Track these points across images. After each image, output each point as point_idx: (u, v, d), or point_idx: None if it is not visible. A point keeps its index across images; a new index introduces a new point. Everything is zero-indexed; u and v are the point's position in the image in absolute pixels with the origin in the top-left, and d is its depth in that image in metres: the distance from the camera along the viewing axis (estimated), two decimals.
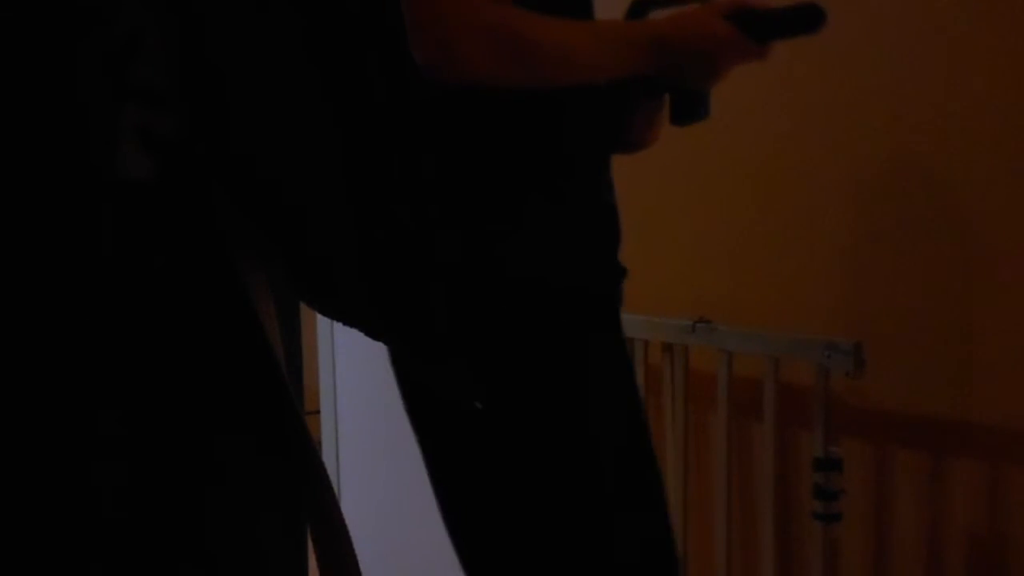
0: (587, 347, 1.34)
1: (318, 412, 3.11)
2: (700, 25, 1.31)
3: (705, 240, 2.08)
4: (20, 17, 0.65)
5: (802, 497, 1.89)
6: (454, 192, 1.12)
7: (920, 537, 1.80)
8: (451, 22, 0.95)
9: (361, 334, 0.86)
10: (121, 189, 0.70)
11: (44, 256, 0.67)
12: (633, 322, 2.05)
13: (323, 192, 0.79)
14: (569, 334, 1.32)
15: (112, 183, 0.69)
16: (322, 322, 3.13)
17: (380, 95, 0.80)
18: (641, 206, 1.93)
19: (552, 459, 1.33)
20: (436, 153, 0.91)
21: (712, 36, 1.30)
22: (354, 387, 2.99)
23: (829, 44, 1.85)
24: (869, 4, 1.81)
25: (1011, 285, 1.66)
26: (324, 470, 0.84)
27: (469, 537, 1.43)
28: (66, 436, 0.68)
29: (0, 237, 0.66)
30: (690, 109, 1.42)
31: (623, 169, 1.44)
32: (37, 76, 0.66)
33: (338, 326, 1.90)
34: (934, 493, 1.77)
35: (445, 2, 0.95)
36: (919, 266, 1.76)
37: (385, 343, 0.92)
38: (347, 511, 0.87)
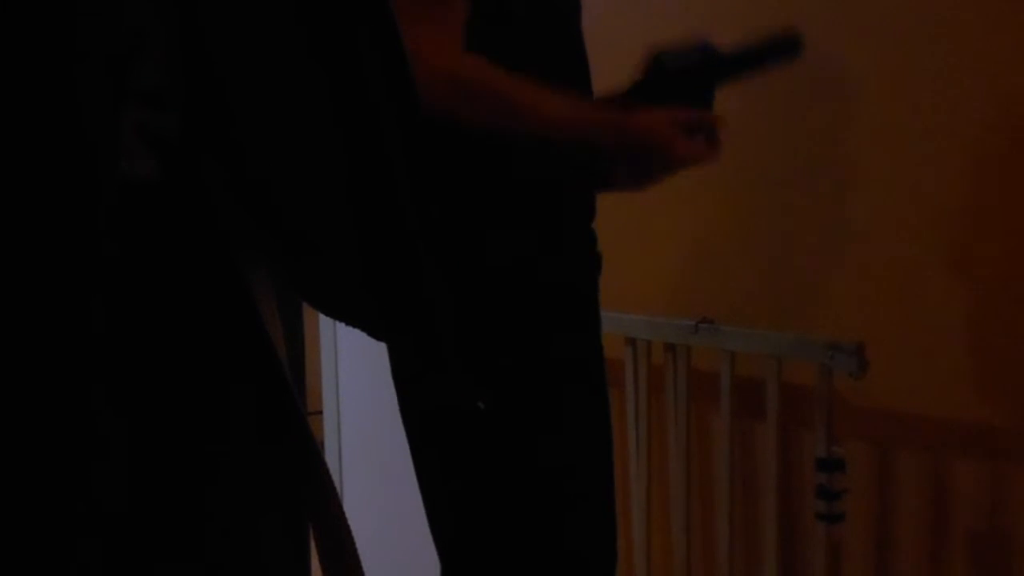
0: (565, 347, 1.41)
1: (320, 413, 3.11)
2: (657, 130, 1.37)
3: (708, 240, 2.08)
4: (21, 17, 0.65)
5: (805, 497, 1.89)
6: (446, 193, 1.16)
7: (922, 537, 1.80)
8: (415, 60, 0.99)
9: (363, 334, 0.87)
10: (123, 189, 0.70)
11: (45, 256, 0.67)
12: (636, 322, 2.05)
13: (324, 192, 0.79)
14: (547, 331, 1.39)
15: (114, 183, 0.69)
16: (324, 322, 3.13)
17: (382, 95, 0.80)
18: (644, 206, 1.93)
19: (529, 461, 1.38)
20: (435, 154, 0.92)
21: (667, 143, 1.36)
22: (357, 388, 2.99)
23: (831, 52, 1.85)
24: None
25: (1012, 286, 1.66)
26: (326, 470, 0.84)
27: (450, 539, 1.46)
28: (66, 435, 0.68)
29: (2, 237, 0.66)
30: None
31: None
32: (38, 76, 0.66)
33: (340, 326, 1.90)
34: (936, 493, 1.77)
35: (412, 40, 1.00)
36: (921, 267, 1.76)
37: (386, 343, 0.92)
38: (349, 511, 0.88)
